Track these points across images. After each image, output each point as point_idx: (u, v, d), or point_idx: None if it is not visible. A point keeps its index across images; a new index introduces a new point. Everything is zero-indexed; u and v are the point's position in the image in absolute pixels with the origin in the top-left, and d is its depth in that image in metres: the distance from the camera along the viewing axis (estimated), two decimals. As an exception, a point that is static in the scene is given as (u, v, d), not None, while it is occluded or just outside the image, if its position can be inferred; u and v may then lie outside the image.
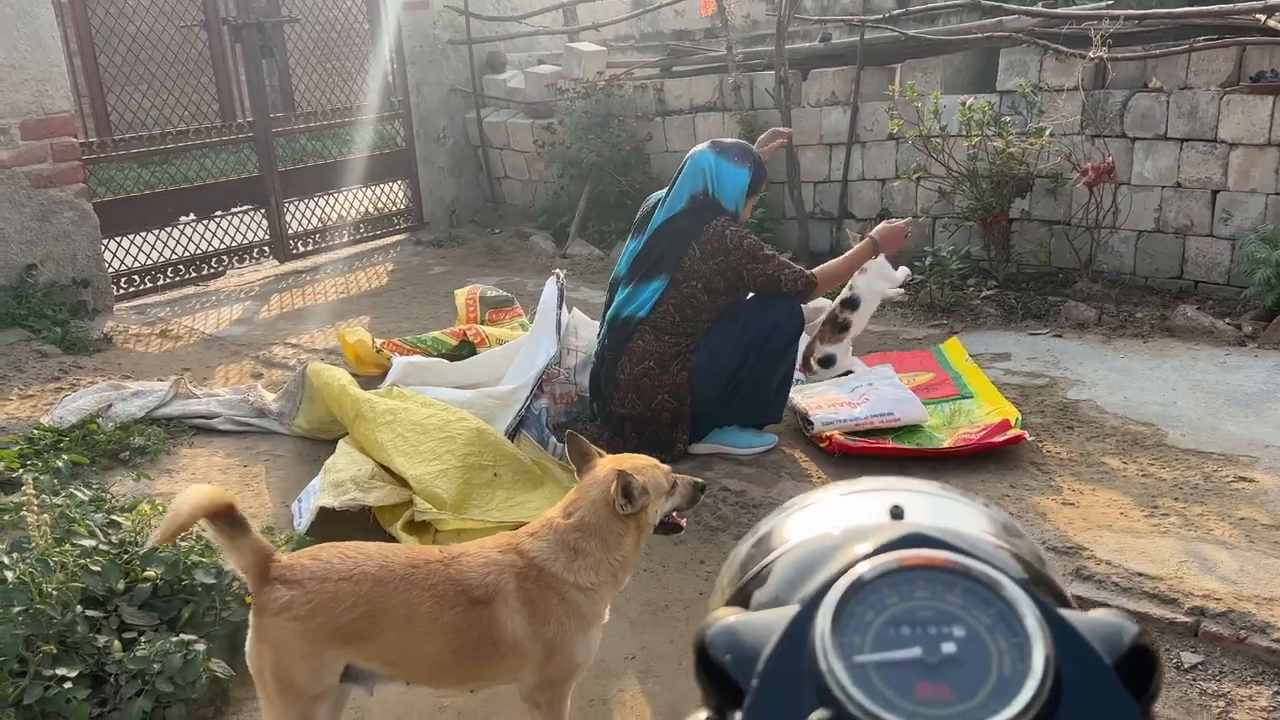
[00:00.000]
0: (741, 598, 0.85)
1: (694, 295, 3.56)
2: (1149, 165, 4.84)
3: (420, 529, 3.28)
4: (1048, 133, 4.76)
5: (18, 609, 2.43)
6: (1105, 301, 4.74)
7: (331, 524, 3.19)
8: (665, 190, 3.77)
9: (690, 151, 3.71)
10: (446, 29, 7.08)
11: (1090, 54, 4.71)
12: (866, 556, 0.71)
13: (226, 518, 1.97)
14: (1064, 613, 0.67)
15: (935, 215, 5.48)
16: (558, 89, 6.78)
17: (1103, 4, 5.15)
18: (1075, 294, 4.84)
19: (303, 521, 3.30)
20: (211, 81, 6.16)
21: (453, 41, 7.10)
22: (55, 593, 2.51)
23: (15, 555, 2.58)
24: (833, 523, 0.83)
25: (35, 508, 2.59)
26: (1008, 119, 4.92)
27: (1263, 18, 4.53)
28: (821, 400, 3.85)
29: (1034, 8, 5.19)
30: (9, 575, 2.48)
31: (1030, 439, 3.52)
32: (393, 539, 3.19)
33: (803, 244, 5.88)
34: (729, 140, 3.77)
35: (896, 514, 0.80)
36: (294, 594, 2.00)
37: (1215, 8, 4.79)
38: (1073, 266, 5.03)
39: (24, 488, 2.64)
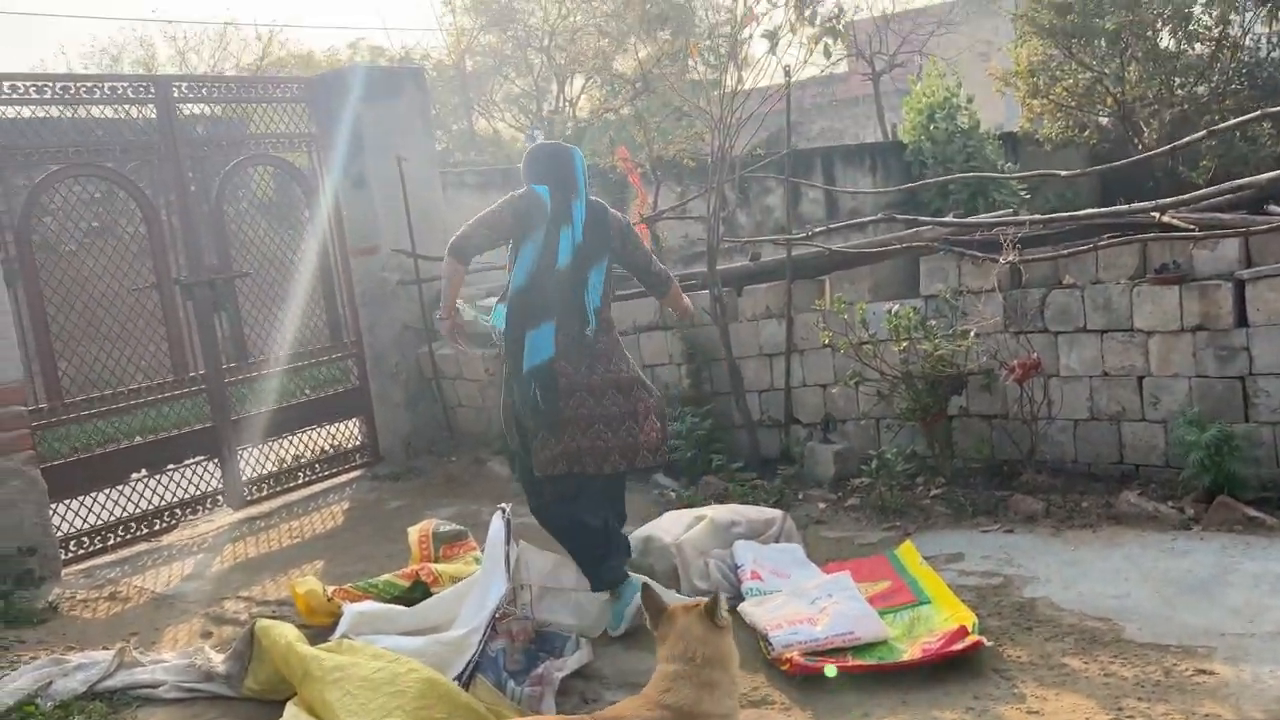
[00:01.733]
0: None
1: (611, 278, 4.15)
2: (1074, 357, 5.03)
3: (373, 795, 3.15)
4: (972, 334, 4.96)
5: None
6: (1051, 492, 4.81)
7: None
8: (543, 187, 4.07)
9: (551, 152, 4.30)
10: (396, 271, 7.33)
11: (1003, 258, 4.98)
12: None
13: None
14: None
15: (878, 417, 5.60)
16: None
17: (1008, 211, 5.47)
18: (1021, 487, 4.91)
19: (249, 796, 3.15)
20: (164, 338, 6.26)
21: (402, 282, 7.34)
22: None
23: None
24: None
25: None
26: (933, 322, 5.12)
27: (1157, 215, 4.83)
28: (780, 617, 3.81)
29: (946, 218, 5.50)
30: None
31: (989, 643, 3.49)
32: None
33: (753, 450, 5.96)
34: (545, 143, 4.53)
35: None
36: None
37: (1114, 209, 5.12)
38: (1016, 458, 5.12)
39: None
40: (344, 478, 7.12)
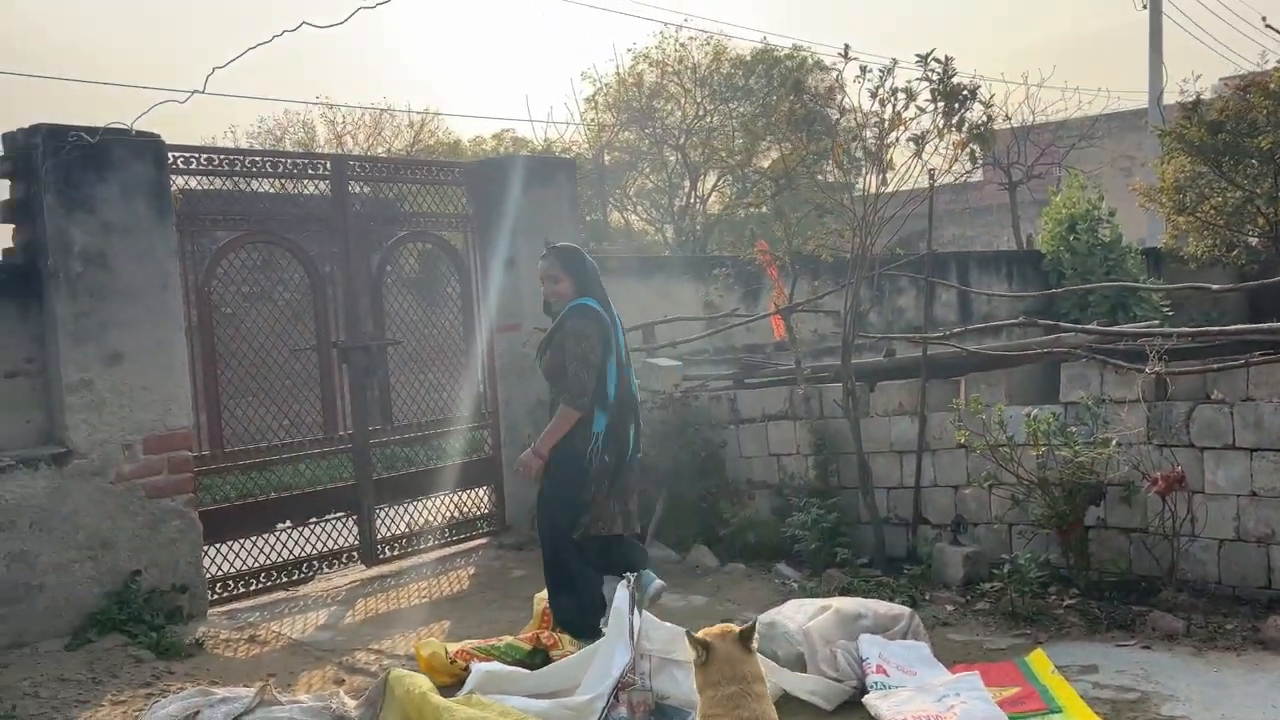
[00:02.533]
0: None
1: None
2: (1221, 474, 4.89)
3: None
4: (1114, 443, 4.88)
5: None
6: (1192, 612, 4.64)
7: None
8: (596, 301, 4.90)
9: (588, 262, 5.03)
10: (535, 347, 7.60)
11: (1149, 368, 4.91)
12: None
13: None
14: None
15: (1010, 522, 5.52)
16: (637, 401, 7.16)
17: (1154, 323, 5.40)
18: (1160, 604, 4.75)
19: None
20: (318, 397, 6.64)
21: (540, 358, 7.60)
22: None
23: None
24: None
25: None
26: (1073, 429, 5.06)
27: (1314, 333, 4.72)
28: (907, 711, 3.78)
29: (1089, 326, 5.47)
30: None
31: (1125, 758, 3.39)
32: None
33: (879, 548, 5.92)
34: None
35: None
36: None
37: (1268, 325, 5.02)
38: (1156, 575, 4.97)
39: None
40: (471, 544, 7.33)
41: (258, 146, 22.38)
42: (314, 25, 4.82)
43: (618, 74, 20.30)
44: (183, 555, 5.71)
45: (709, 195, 21.01)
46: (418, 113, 24.93)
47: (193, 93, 5.24)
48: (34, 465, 5.22)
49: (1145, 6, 19.61)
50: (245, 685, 4.59)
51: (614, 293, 8.76)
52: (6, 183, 5.55)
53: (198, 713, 4.24)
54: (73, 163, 5.35)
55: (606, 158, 20.65)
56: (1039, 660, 4.28)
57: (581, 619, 4.82)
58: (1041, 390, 5.81)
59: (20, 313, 5.38)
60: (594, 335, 4.75)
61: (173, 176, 5.90)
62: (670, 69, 20.04)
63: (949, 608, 5.16)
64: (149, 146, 5.66)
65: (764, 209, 15.66)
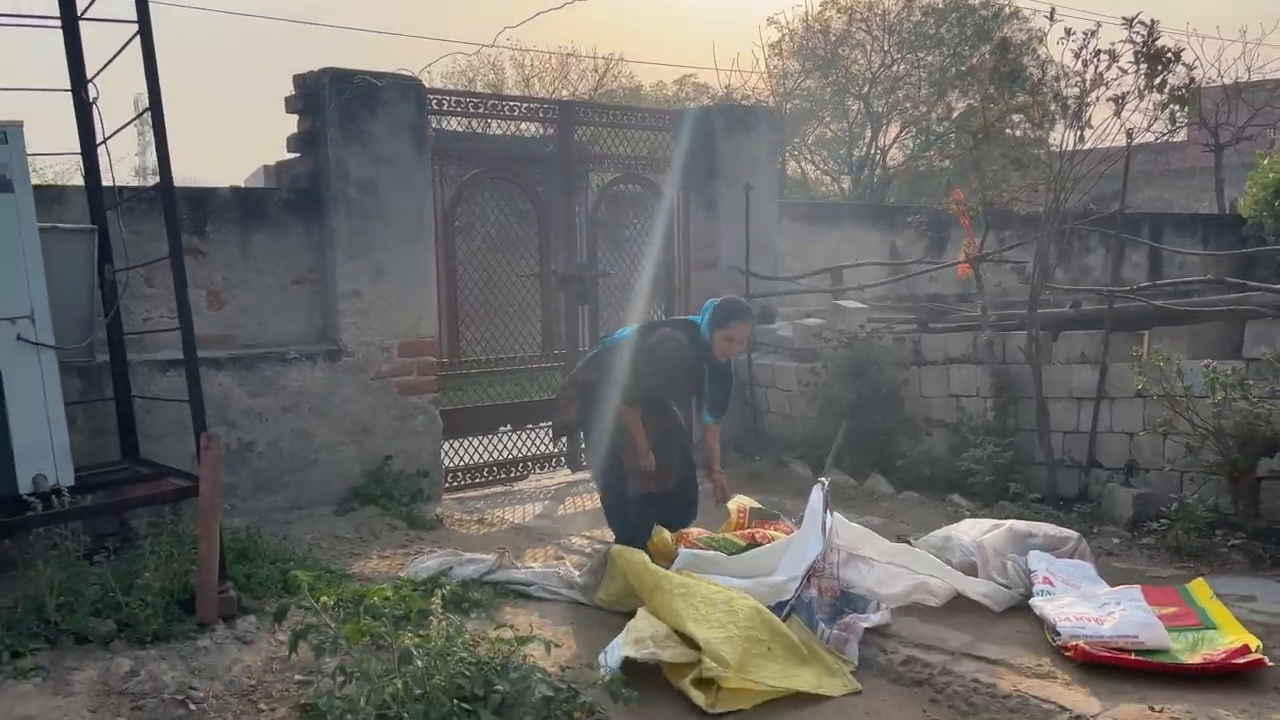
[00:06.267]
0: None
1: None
2: (1401, 432, 5.05)
3: (704, 685, 3.90)
4: (1292, 396, 5.10)
5: (418, 691, 3.24)
6: (1359, 559, 4.87)
7: (629, 678, 3.82)
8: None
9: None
10: (729, 286, 8.20)
11: (1334, 327, 5.10)
12: None
13: None
14: None
15: (1182, 470, 5.79)
16: (822, 338, 7.68)
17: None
18: (1327, 550, 5.00)
19: (608, 669, 3.96)
20: (538, 318, 7.45)
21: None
22: (443, 685, 3.30)
23: (418, 653, 3.40)
24: None
25: (440, 615, 3.46)
26: (1251, 383, 5.29)
27: None
28: (1070, 613, 4.22)
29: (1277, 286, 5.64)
30: (419, 663, 3.32)
31: (1271, 664, 3.76)
32: (680, 693, 3.84)
33: (1050, 487, 6.29)
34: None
35: None
36: None
37: None
38: (1325, 525, 5.19)
39: (435, 606, 3.53)
40: (662, 461, 8.03)
41: (449, 86, 23.60)
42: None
43: (805, 19, 20.37)
44: (425, 446, 6.63)
45: (890, 146, 20.97)
46: (602, 58, 25.66)
47: (481, 46, 5.99)
48: (313, 359, 6.20)
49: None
50: (484, 554, 5.44)
51: (803, 238, 9.30)
52: (294, 118, 6.51)
53: (450, 568, 5.11)
54: (352, 102, 6.24)
55: (787, 106, 20.83)
56: (1199, 587, 4.62)
57: None
58: (1223, 348, 6.00)
59: (305, 230, 6.34)
60: None
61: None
62: (860, 15, 19.99)
63: (1115, 540, 5.52)
64: (412, 89, 6.50)
65: (948, 163, 15.70)
